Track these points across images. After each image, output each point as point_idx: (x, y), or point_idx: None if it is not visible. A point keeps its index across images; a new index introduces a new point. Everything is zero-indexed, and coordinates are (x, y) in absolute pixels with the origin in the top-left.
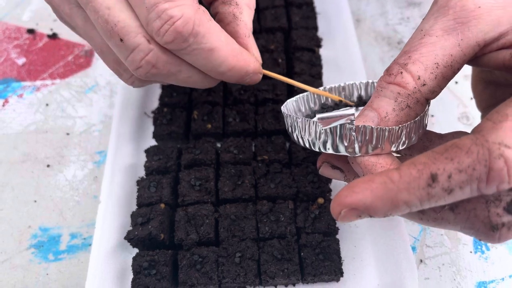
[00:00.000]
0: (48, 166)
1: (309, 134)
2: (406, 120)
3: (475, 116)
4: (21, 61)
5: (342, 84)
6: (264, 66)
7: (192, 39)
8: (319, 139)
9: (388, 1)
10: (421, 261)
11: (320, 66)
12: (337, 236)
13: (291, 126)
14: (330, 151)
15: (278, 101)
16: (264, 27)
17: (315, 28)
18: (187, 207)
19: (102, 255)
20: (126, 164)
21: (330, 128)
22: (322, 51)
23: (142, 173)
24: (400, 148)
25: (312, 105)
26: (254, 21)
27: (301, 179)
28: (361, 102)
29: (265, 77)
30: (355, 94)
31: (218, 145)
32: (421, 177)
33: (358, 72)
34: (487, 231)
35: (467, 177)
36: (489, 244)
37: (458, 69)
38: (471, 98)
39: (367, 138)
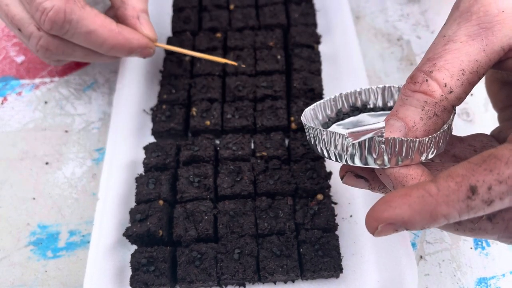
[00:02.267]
0: (46, 163)
1: (335, 147)
2: (434, 128)
3: (475, 112)
4: (20, 59)
5: (358, 90)
6: (263, 62)
7: (67, 25)
8: (346, 152)
9: None
10: (421, 257)
11: (319, 62)
12: (337, 232)
13: (314, 138)
14: (358, 163)
15: (277, 97)
16: (263, 24)
17: (314, 25)
18: (185, 204)
19: (101, 252)
20: (124, 161)
21: (359, 141)
22: (322, 48)
23: (141, 170)
24: (429, 157)
25: (329, 112)
26: (253, 18)
27: (300, 175)
28: (376, 108)
29: (263, 73)
30: (372, 99)
31: (217, 142)
32: (460, 189)
33: (358, 68)
34: None
35: (508, 188)
36: (489, 240)
37: (483, 74)
38: (471, 95)
39: (396, 150)
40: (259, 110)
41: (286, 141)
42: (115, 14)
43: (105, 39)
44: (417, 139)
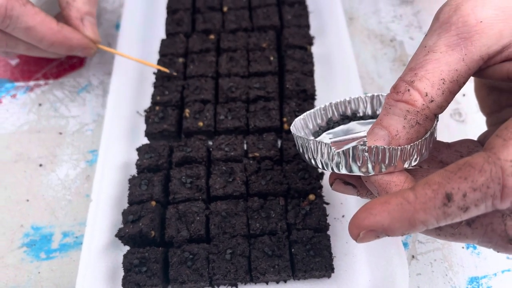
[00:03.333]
0: (40, 165)
1: (322, 156)
2: (416, 136)
3: (468, 113)
4: (14, 61)
5: (347, 99)
6: (256, 64)
7: (8, 20)
8: (332, 161)
9: None
10: (413, 257)
11: (312, 63)
12: (328, 232)
13: (301, 147)
14: (344, 171)
15: (270, 98)
16: (256, 25)
17: (307, 26)
18: (178, 205)
19: (93, 253)
20: (117, 162)
21: (343, 150)
22: (314, 49)
23: (134, 171)
24: (412, 164)
25: (319, 121)
26: (246, 20)
27: (292, 176)
28: (366, 116)
29: (256, 74)
30: (361, 107)
31: (210, 143)
32: (437, 197)
33: (351, 69)
34: (505, 244)
35: (482, 195)
36: None
37: (464, 83)
38: (464, 95)
39: (379, 158)
40: (252, 111)
41: (279, 142)
42: (61, 15)
43: (44, 35)
44: (399, 147)
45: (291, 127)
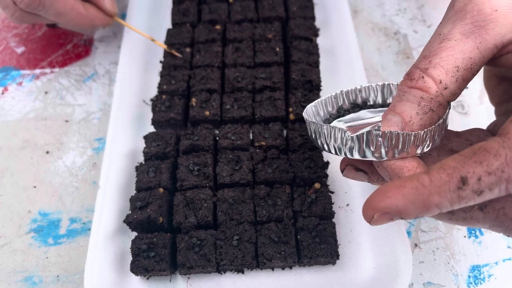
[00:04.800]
0: (47, 152)
1: (335, 141)
2: (429, 123)
3: (470, 105)
4: (20, 49)
5: (358, 87)
6: (262, 54)
7: (41, 8)
8: (345, 146)
9: None
10: (416, 245)
11: (317, 55)
12: (333, 220)
13: (314, 132)
14: (357, 156)
15: (275, 88)
16: (262, 17)
17: (313, 18)
18: (185, 192)
19: (101, 238)
20: (125, 150)
21: (357, 135)
22: (319, 41)
23: (141, 159)
24: (425, 150)
25: (330, 108)
26: (252, 11)
27: (298, 164)
28: (376, 104)
29: (262, 65)
30: (372, 96)
31: (216, 131)
32: (452, 180)
33: (355, 61)
34: None
35: (496, 179)
36: (482, 229)
37: (477, 71)
38: (467, 88)
39: (393, 143)
40: (258, 101)
41: (284, 132)
42: None
43: (72, 19)
44: (413, 133)
45: (303, 113)
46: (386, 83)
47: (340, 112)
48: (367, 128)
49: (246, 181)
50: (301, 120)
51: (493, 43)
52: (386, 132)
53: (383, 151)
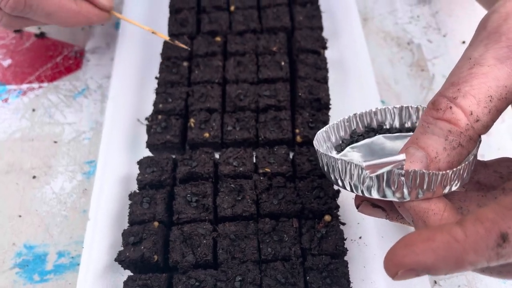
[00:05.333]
0: (34, 177)
1: (351, 178)
2: (458, 159)
3: None
4: (6, 62)
5: (373, 109)
6: (265, 69)
7: (28, 10)
8: (362, 184)
9: None
10: (435, 282)
11: (326, 69)
12: (345, 258)
13: (327, 165)
14: (376, 196)
15: (281, 108)
16: (266, 27)
17: (320, 28)
18: (182, 226)
19: (91, 277)
20: (117, 175)
21: (377, 174)
22: (327, 53)
23: (134, 185)
24: (453, 189)
25: (342, 133)
26: (254, 20)
27: (306, 194)
28: (393, 128)
29: (266, 81)
30: (388, 119)
31: (217, 155)
32: (490, 236)
33: (367, 76)
34: None
35: None
36: None
37: None
38: None
39: (417, 183)
40: (262, 121)
41: (291, 155)
42: None
43: (65, 19)
44: (440, 173)
45: (314, 142)
46: (405, 105)
47: (354, 137)
48: (389, 167)
49: (249, 213)
50: (308, 143)
51: None
52: (410, 171)
53: (405, 191)
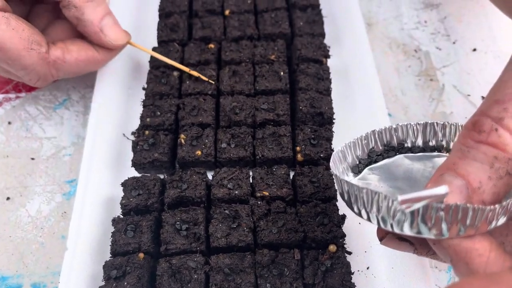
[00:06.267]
0: (8, 199)
1: (378, 210)
2: (505, 190)
3: None
4: None
5: (394, 126)
6: (263, 80)
7: (57, 78)
8: (392, 218)
9: (402, 1)
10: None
11: (329, 80)
12: None
13: (348, 194)
14: (408, 232)
15: (280, 123)
16: (263, 33)
17: (322, 35)
18: (171, 258)
19: None
20: (100, 197)
21: (411, 210)
22: (330, 61)
23: (118, 207)
24: (498, 225)
25: (359, 152)
26: (251, 26)
27: (309, 221)
28: (415, 147)
29: (264, 93)
30: (410, 137)
31: (209, 176)
32: None
33: (373, 87)
34: None
35: None
36: None
37: None
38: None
39: (459, 218)
40: (259, 138)
41: (291, 174)
42: (78, 31)
43: (89, 69)
44: (487, 208)
45: (330, 164)
46: (429, 121)
47: (372, 157)
48: (426, 201)
49: (246, 243)
50: (310, 162)
51: None
52: (451, 205)
53: (444, 227)
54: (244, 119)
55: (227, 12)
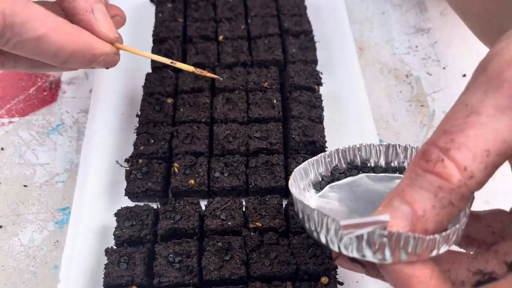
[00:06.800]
0: (0, 227)
1: (327, 231)
2: (447, 219)
3: None
4: None
5: (357, 145)
6: (256, 107)
7: (9, 32)
8: (340, 240)
9: (394, 26)
10: None
11: (321, 108)
12: None
13: (302, 213)
14: (354, 255)
15: (273, 151)
16: (257, 60)
17: (315, 62)
18: None
19: None
20: (93, 226)
21: (356, 235)
22: (322, 88)
23: (112, 236)
24: (440, 253)
25: (322, 170)
26: (244, 52)
27: (301, 253)
28: (378, 167)
29: (257, 120)
30: (373, 157)
31: (203, 205)
32: None
33: (364, 114)
34: None
35: None
36: None
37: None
38: None
39: (401, 245)
40: (252, 166)
41: (284, 205)
42: (63, 9)
43: (61, 46)
44: (427, 237)
45: (289, 181)
46: (392, 143)
47: (335, 175)
48: (369, 228)
49: (238, 276)
50: None
51: None
52: (394, 232)
53: (387, 253)
54: (237, 148)
55: (220, 38)
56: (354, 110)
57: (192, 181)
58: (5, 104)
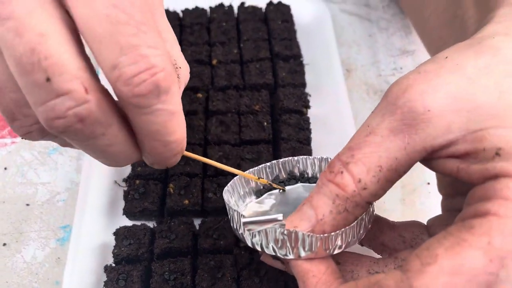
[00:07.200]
0: (4, 244)
1: (243, 230)
2: (343, 224)
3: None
4: None
5: (295, 158)
6: (248, 130)
7: (164, 97)
8: (252, 237)
9: (380, 48)
10: None
11: (309, 130)
12: None
13: (228, 213)
14: (266, 250)
15: None
16: (249, 84)
17: (303, 85)
18: None
19: None
20: (93, 244)
21: (260, 230)
22: (310, 110)
23: (111, 254)
24: (336, 252)
25: (263, 178)
26: (237, 76)
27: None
28: (313, 178)
29: (248, 142)
30: (309, 169)
31: (196, 224)
32: None
33: (350, 134)
34: None
35: None
36: None
37: (404, 172)
38: None
39: (299, 242)
40: None
41: None
42: None
43: (178, 128)
44: (320, 236)
45: (226, 188)
46: (324, 156)
47: (276, 183)
48: (268, 226)
49: None
50: None
51: (422, 145)
52: (291, 230)
53: (289, 249)
54: None
55: (214, 61)
56: (340, 132)
57: (187, 201)
58: (7, 125)
